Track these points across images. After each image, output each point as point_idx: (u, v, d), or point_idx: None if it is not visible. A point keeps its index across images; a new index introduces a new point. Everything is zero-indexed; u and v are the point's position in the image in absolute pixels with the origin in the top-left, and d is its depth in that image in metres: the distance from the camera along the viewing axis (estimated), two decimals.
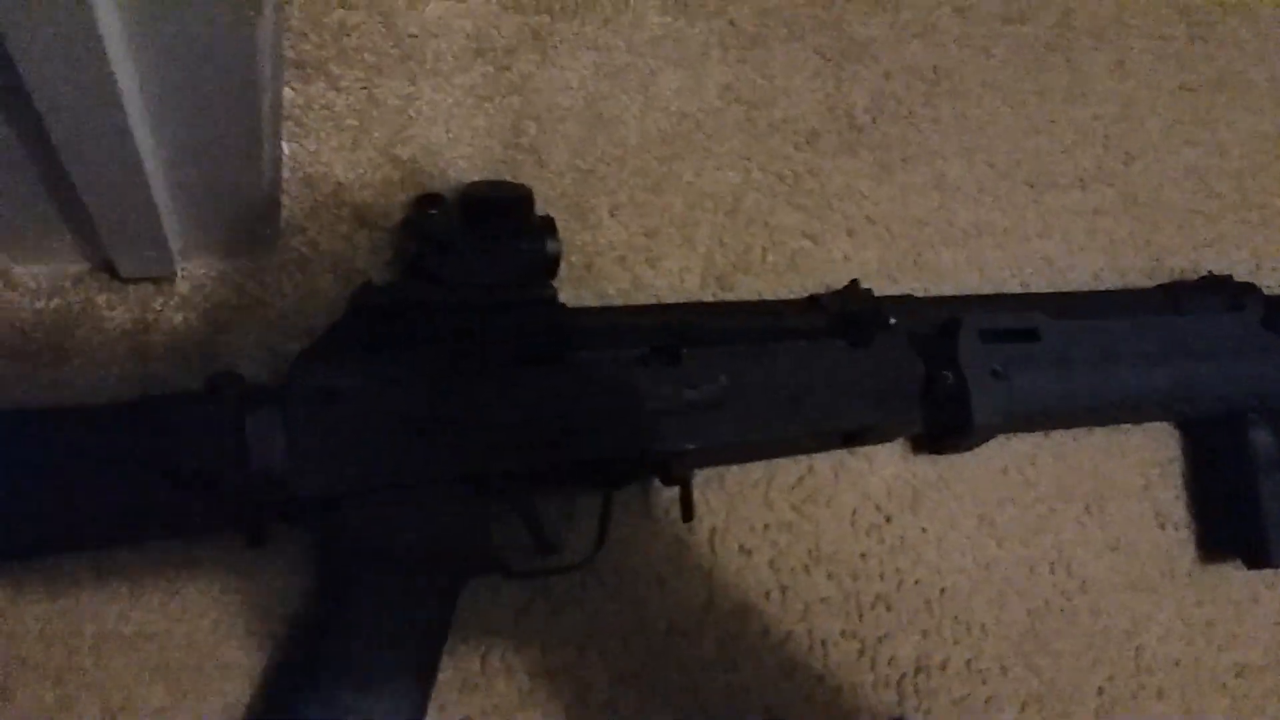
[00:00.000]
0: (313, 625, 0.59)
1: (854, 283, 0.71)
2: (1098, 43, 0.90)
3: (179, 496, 0.53)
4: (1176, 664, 0.78)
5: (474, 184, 0.63)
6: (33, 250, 0.59)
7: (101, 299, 0.61)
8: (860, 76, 0.82)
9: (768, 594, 0.70)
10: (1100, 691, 0.76)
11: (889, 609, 0.72)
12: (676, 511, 0.65)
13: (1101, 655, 0.77)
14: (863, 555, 0.73)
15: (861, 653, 0.71)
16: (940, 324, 0.70)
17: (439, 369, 0.58)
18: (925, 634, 0.73)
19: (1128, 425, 0.81)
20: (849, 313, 0.67)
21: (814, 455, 0.72)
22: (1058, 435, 0.79)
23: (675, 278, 0.73)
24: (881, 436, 0.71)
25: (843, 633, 0.71)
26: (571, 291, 0.69)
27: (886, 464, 0.75)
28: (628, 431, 0.61)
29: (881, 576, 0.73)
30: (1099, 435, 0.80)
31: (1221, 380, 0.76)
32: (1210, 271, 0.82)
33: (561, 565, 0.62)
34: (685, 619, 0.68)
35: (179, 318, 0.62)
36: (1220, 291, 0.79)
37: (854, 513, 0.73)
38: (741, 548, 0.70)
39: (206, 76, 0.46)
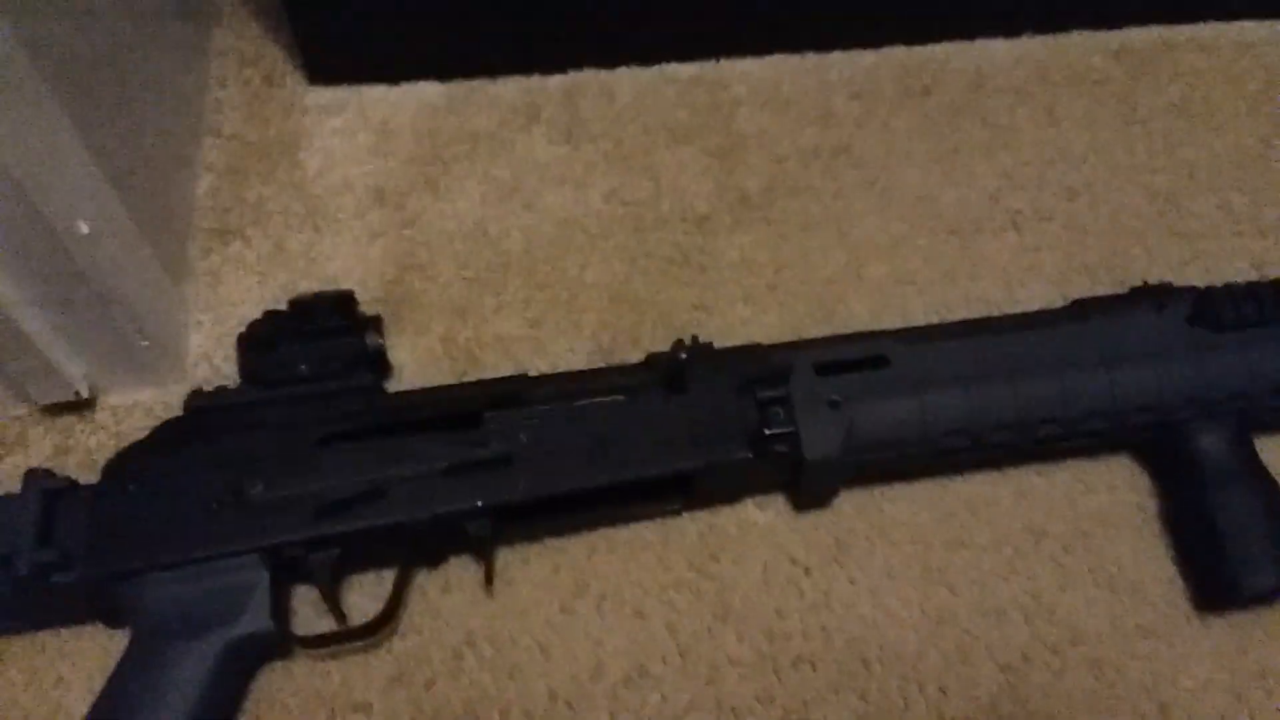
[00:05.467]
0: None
1: (680, 341, 0.67)
2: (1018, 99, 0.89)
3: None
4: None
5: (300, 294, 0.69)
6: None
7: (32, 430, 0.71)
8: (751, 164, 0.84)
9: (663, 659, 0.65)
10: None
11: (814, 669, 0.65)
12: (565, 581, 0.66)
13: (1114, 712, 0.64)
14: (778, 612, 0.66)
15: None
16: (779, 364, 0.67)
17: (242, 454, 0.62)
18: (864, 697, 0.64)
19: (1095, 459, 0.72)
20: (670, 365, 0.66)
21: (717, 511, 0.69)
22: (1016, 474, 0.71)
23: (561, 359, 0.75)
24: (723, 487, 0.69)
25: (758, 698, 0.64)
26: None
27: (800, 515, 0.70)
28: (415, 495, 0.62)
29: (804, 635, 0.66)
30: (1068, 470, 0.72)
31: (1141, 389, 0.67)
32: (1146, 281, 0.73)
33: (348, 631, 0.62)
34: (571, 688, 0.64)
35: (94, 440, 0.71)
36: (1145, 297, 0.71)
37: (765, 567, 0.68)
38: (636, 611, 0.66)
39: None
